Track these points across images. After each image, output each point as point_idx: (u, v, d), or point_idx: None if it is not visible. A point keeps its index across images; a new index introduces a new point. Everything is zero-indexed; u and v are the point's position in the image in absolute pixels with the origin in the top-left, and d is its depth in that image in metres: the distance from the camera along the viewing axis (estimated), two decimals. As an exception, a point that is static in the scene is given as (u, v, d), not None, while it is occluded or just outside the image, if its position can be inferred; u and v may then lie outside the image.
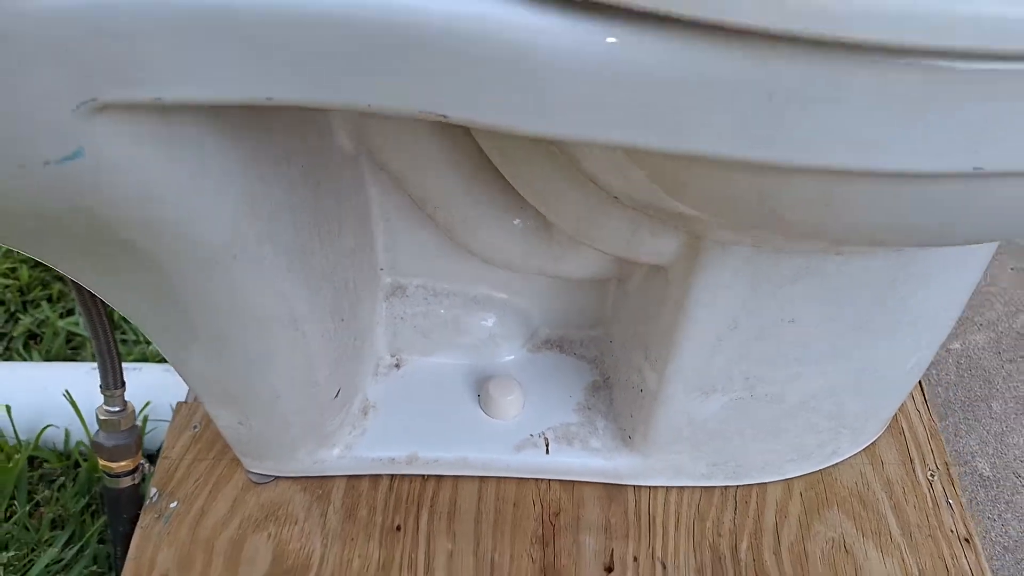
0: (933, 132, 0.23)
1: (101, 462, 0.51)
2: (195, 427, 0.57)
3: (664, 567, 0.51)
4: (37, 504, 0.65)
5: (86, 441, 0.66)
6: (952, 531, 0.53)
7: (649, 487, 0.54)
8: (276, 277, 0.37)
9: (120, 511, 0.53)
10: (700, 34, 0.21)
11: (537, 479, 0.54)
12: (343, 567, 0.51)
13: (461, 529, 0.52)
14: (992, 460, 0.74)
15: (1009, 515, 0.71)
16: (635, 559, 0.51)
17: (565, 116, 0.24)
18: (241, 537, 0.52)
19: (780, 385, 0.46)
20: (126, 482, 0.52)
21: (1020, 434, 0.76)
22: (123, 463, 0.51)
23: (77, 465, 0.67)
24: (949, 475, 0.55)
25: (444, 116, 0.25)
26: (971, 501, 0.72)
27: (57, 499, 0.65)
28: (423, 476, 0.55)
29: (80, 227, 0.30)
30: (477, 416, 0.55)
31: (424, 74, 0.24)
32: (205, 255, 0.33)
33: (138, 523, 0.53)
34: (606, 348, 0.58)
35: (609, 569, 0.51)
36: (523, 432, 0.54)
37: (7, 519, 0.64)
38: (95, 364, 0.68)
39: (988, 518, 0.71)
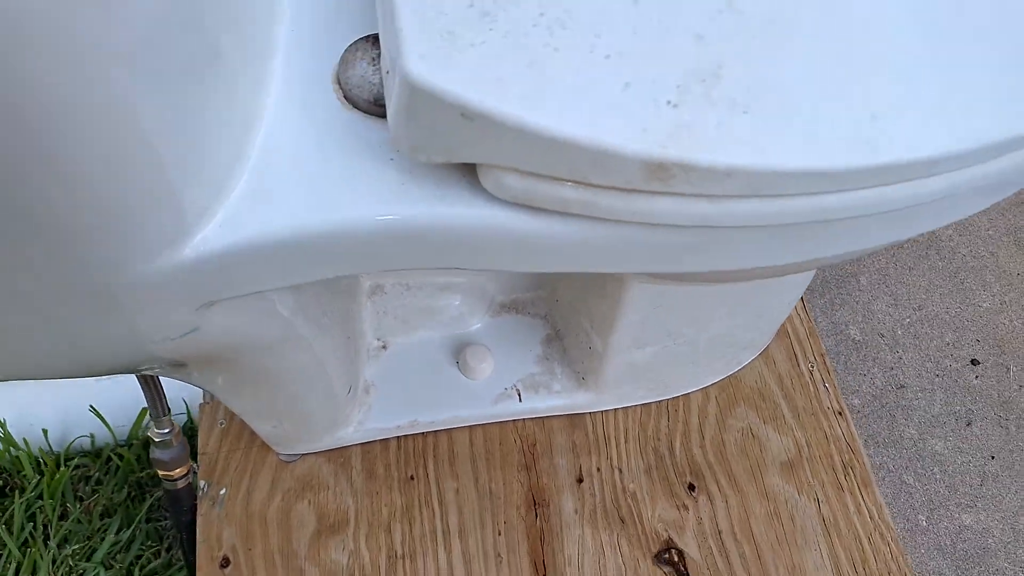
0: (784, 248, 0.37)
1: (161, 472, 0.63)
2: (221, 423, 0.70)
3: (620, 471, 0.68)
4: (82, 500, 0.77)
5: (111, 442, 0.77)
6: (829, 408, 0.72)
7: (602, 412, 0.70)
8: (311, 342, 0.49)
9: (181, 505, 0.66)
10: (632, 226, 0.34)
11: (514, 420, 0.70)
12: (375, 515, 0.66)
13: (462, 469, 0.68)
14: (861, 326, 0.94)
15: (876, 370, 0.92)
16: (598, 469, 0.68)
17: (541, 262, 0.37)
18: (287, 507, 0.66)
19: (693, 335, 0.62)
20: (182, 483, 0.65)
21: (883, 301, 0.96)
22: (179, 470, 0.63)
23: (108, 460, 0.78)
24: (825, 364, 0.74)
25: (461, 268, 0.37)
26: (846, 363, 0.92)
27: (98, 492, 0.77)
28: (423, 433, 0.69)
29: (178, 358, 0.41)
30: (459, 380, 0.69)
31: (446, 253, 0.36)
32: (265, 348, 0.45)
33: (197, 512, 0.66)
34: (553, 305, 0.72)
35: (580, 480, 0.68)
36: (498, 387, 0.69)
37: (61, 518, 0.76)
38: (101, 373, 0.79)
39: (860, 374, 0.92)
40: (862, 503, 0.68)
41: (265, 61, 0.37)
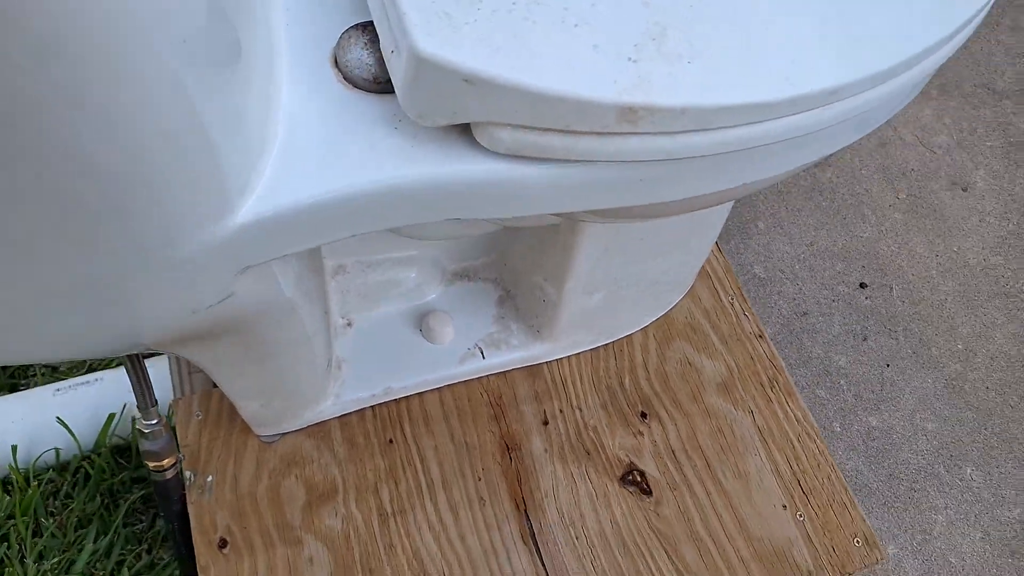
0: (722, 175, 0.46)
1: (151, 464, 0.67)
2: (198, 415, 0.73)
3: (580, 410, 0.77)
4: (53, 515, 0.79)
5: (78, 453, 0.79)
6: (751, 332, 0.83)
7: (557, 360, 0.79)
8: (303, 313, 0.55)
9: (170, 496, 0.69)
10: (605, 165, 0.42)
11: (479, 377, 0.77)
12: (362, 480, 0.72)
13: (437, 428, 0.75)
14: (764, 265, 1.07)
15: (781, 301, 1.04)
16: (560, 411, 0.77)
17: (529, 206, 0.45)
18: (275, 484, 0.71)
19: (635, 277, 0.71)
20: (171, 473, 0.68)
21: (780, 242, 1.09)
22: (169, 459, 0.67)
23: (76, 471, 0.80)
24: (742, 296, 0.85)
25: (458, 218, 0.44)
26: (755, 298, 1.04)
27: (69, 505, 0.79)
28: (396, 399, 0.75)
29: (204, 328, 0.46)
30: (424, 346, 0.75)
31: (450, 204, 0.43)
32: (275, 317, 0.50)
33: (187, 501, 0.70)
34: (501, 269, 0.79)
35: (545, 423, 0.76)
36: (462, 348, 0.76)
37: (35, 535, 0.77)
38: (56, 387, 0.80)
39: (768, 307, 1.04)
40: (789, 411, 0.79)
41: (273, 50, 0.42)
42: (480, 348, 0.76)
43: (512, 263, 0.77)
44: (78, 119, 0.30)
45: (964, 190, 1.17)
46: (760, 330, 0.83)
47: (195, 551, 0.68)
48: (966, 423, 0.97)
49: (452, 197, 0.43)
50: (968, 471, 0.94)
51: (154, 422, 0.65)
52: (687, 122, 0.41)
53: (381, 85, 0.43)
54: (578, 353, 0.79)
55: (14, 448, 0.75)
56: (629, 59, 0.40)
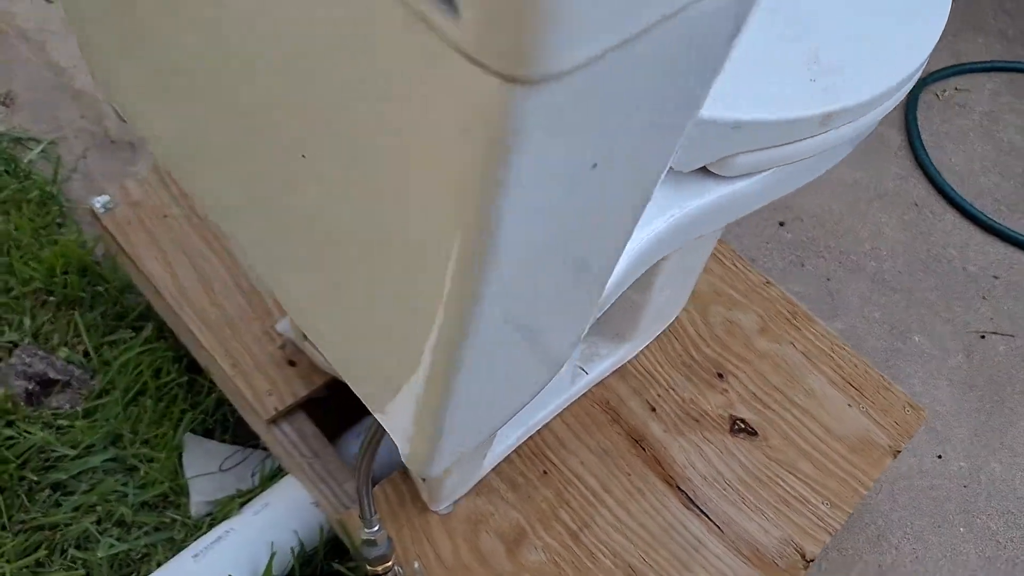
0: (834, 157, 0.63)
1: (380, 567, 0.72)
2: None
3: (673, 389, 0.92)
4: None
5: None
6: (759, 282, 1.02)
7: (635, 358, 0.93)
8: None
9: (390, 594, 0.75)
10: (802, 160, 0.58)
11: (583, 394, 0.89)
12: (540, 513, 0.81)
13: (574, 446, 0.86)
14: (706, 231, 1.27)
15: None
16: (659, 396, 0.91)
17: (750, 208, 0.59)
18: (473, 545, 0.78)
19: (694, 264, 0.87)
20: (391, 573, 0.73)
21: (708, 208, 1.30)
22: (388, 563, 0.72)
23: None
24: (739, 257, 1.04)
25: (706, 232, 0.58)
26: (713, 260, 1.24)
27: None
28: (530, 437, 0.85)
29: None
30: (539, 380, 0.86)
31: (705, 223, 0.57)
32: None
33: (405, 592, 0.75)
34: (566, 294, 0.92)
35: (653, 409, 0.90)
36: (567, 373, 0.87)
37: None
38: (192, 552, 0.81)
39: (723, 264, 1.25)
40: (815, 333, 1.00)
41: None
42: (580, 367, 0.88)
43: (577, 286, 0.90)
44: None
45: (811, 127, 1.46)
46: (765, 278, 1.03)
47: (433, 633, 0.74)
48: (898, 303, 1.25)
49: (706, 217, 0.56)
50: (916, 339, 1.22)
51: (376, 528, 0.71)
52: (851, 115, 0.57)
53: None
54: (648, 346, 0.94)
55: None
56: (811, 80, 0.56)
